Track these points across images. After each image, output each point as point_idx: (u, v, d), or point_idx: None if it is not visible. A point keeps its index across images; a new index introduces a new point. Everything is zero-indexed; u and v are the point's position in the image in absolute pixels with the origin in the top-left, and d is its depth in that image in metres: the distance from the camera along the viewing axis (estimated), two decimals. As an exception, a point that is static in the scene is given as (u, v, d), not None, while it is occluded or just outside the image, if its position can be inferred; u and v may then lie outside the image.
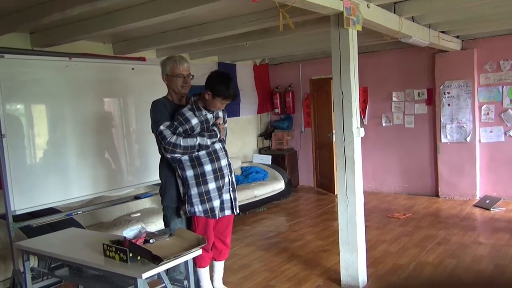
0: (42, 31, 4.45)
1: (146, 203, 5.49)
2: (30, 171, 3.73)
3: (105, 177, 4.29)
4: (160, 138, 2.94)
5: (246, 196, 6.22)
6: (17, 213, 3.56)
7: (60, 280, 3.27)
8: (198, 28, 4.67)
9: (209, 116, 3.05)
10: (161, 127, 2.94)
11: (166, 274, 2.97)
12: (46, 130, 3.94)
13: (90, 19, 4.03)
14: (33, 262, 3.48)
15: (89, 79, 4.18)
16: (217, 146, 3.08)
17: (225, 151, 3.16)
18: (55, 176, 3.90)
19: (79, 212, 4.13)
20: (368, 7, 3.74)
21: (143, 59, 4.95)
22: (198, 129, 2.99)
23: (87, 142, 4.16)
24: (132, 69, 4.53)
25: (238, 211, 3.25)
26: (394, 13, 4.32)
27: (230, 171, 3.16)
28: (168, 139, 2.90)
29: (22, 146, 3.72)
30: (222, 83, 2.96)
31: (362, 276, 3.70)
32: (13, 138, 3.59)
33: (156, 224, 4.88)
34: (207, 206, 3.02)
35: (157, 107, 3.07)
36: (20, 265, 3.35)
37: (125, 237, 2.54)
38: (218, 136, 3.06)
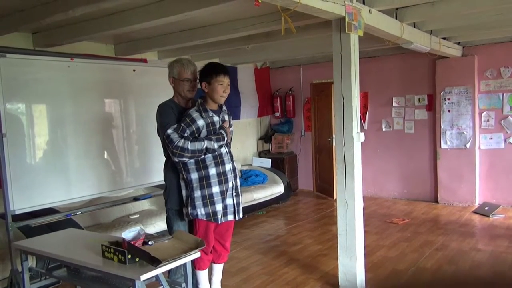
0: (45, 31, 4.46)
1: (145, 205, 5.50)
2: (30, 171, 3.73)
3: (104, 178, 4.29)
4: (168, 142, 2.92)
5: (245, 199, 6.21)
6: (16, 212, 3.57)
7: (58, 280, 3.27)
8: (201, 31, 4.68)
9: (216, 118, 3.04)
10: (169, 131, 2.92)
11: (168, 277, 2.97)
12: (47, 130, 3.94)
13: (93, 20, 4.04)
14: (31, 262, 3.49)
15: (90, 79, 4.19)
16: (223, 150, 3.06)
17: (231, 155, 3.14)
18: (55, 176, 3.90)
19: (78, 213, 4.14)
20: (370, 13, 3.75)
21: (144, 60, 4.96)
22: (204, 131, 2.98)
23: (87, 142, 4.17)
24: (134, 70, 4.54)
25: (241, 215, 3.23)
26: (396, 19, 4.34)
27: (235, 176, 3.14)
28: (176, 143, 2.89)
29: (22, 145, 3.72)
30: (206, 67, 3.05)
31: (360, 281, 3.69)
32: (13, 138, 3.59)
33: (155, 226, 4.89)
34: (210, 209, 3.00)
35: (164, 110, 3.04)
36: (18, 265, 3.35)
37: (123, 239, 2.53)
38: (226, 139, 3.05)
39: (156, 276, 2.51)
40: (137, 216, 5.13)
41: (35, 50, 4.53)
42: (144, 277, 2.34)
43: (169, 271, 3.04)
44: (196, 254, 2.63)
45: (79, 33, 4.24)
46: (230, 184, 3.08)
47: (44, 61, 3.91)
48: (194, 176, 2.99)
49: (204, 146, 2.92)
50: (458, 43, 6.33)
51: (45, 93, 3.89)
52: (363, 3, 3.72)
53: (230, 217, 3.13)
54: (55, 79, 3.94)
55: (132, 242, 2.50)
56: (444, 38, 5.76)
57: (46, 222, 3.87)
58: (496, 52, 6.25)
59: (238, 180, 3.19)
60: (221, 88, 3.01)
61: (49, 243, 3.05)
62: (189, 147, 2.88)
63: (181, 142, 2.88)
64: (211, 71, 3.01)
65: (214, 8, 3.35)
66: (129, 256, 2.47)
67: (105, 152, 4.36)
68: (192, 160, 2.96)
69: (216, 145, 2.97)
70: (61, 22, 4.01)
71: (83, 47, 4.85)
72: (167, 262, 2.42)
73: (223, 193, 3.03)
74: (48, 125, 3.95)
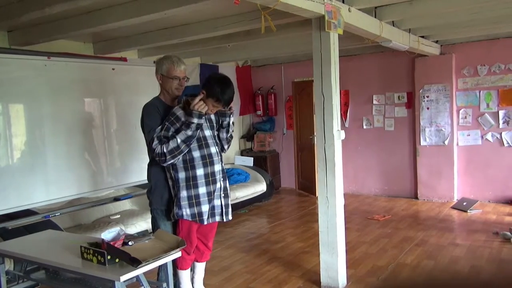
0: (21, 29, 4.35)
1: (126, 205, 5.44)
2: (6, 172, 3.66)
3: (84, 178, 4.24)
4: (151, 151, 2.91)
5: (227, 197, 6.21)
6: (-8, 214, 3.50)
7: (36, 283, 3.21)
8: (180, 29, 4.64)
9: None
10: (152, 138, 2.88)
11: (157, 279, 2.95)
12: (24, 130, 3.87)
13: (70, 18, 3.96)
14: (9, 265, 3.41)
15: (68, 78, 4.14)
16: (213, 150, 3.01)
17: (220, 156, 3.12)
18: (33, 177, 3.83)
19: (57, 214, 4.07)
20: (349, 11, 3.78)
21: (124, 59, 4.90)
22: None
23: (66, 142, 4.11)
24: (113, 69, 4.49)
25: (230, 217, 3.17)
26: (375, 17, 4.38)
27: (223, 177, 3.12)
28: (156, 151, 2.85)
29: (-2, 146, 3.65)
30: (218, 85, 2.88)
31: (342, 278, 3.73)
32: (-12, 138, 3.52)
33: (136, 226, 4.84)
34: (195, 210, 2.97)
35: (149, 111, 2.98)
36: (-6, 268, 3.28)
37: (103, 239, 2.50)
38: (196, 119, 2.83)
39: (137, 277, 2.49)
40: (118, 216, 5.07)
41: (10, 48, 4.43)
42: (124, 278, 2.32)
43: (158, 274, 3.02)
44: (177, 254, 2.61)
45: (56, 31, 4.16)
46: (218, 185, 3.04)
47: (20, 59, 3.85)
48: (182, 175, 2.96)
49: (179, 141, 2.84)
50: (436, 42, 6.44)
51: (21, 92, 3.82)
52: (343, 2, 3.75)
53: (217, 218, 3.09)
54: (32, 78, 3.88)
55: (111, 243, 2.48)
56: (422, 37, 5.84)
57: (24, 224, 3.80)
58: (473, 51, 6.37)
59: (227, 181, 3.17)
60: (213, 108, 2.93)
61: (27, 245, 3.00)
62: (165, 150, 2.83)
63: (158, 148, 2.85)
64: (212, 92, 2.85)
65: (194, 6, 3.33)
66: (109, 257, 2.44)
67: (85, 152, 4.31)
68: (180, 159, 2.94)
69: (189, 132, 2.84)
70: (38, 20, 3.92)
71: (60, 45, 4.75)
72: (147, 262, 2.40)
73: (210, 194, 3.00)
74: (26, 125, 3.88)
